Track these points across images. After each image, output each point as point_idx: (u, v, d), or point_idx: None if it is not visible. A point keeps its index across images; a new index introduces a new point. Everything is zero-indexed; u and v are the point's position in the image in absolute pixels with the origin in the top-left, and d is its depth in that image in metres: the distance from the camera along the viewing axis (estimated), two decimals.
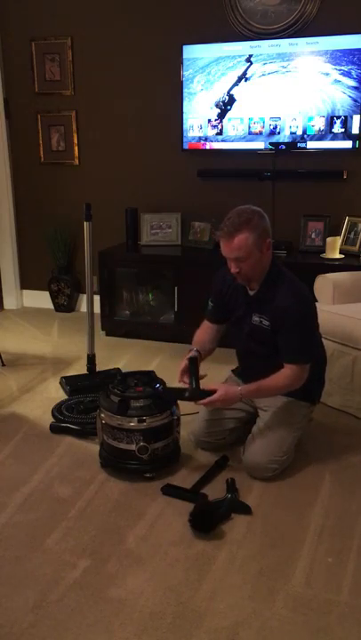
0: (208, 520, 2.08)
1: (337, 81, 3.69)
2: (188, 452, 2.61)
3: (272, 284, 2.38)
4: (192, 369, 2.42)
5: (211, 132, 4.06)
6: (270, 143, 3.94)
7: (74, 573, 1.91)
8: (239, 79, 3.91)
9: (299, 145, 3.88)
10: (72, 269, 4.75)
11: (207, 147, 4.10)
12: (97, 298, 4.11)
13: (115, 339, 4.16)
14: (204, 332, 2.64)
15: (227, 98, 3.96)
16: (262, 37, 3.83)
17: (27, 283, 4.96)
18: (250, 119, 3.95)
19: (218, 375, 2.70)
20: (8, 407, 3.11)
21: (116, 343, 4.07)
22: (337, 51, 3.64)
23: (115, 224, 4.34)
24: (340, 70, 3.67)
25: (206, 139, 4.08)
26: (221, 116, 4.01)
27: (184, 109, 4.07)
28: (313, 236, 3.99)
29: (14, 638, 1.66)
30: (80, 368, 3.51)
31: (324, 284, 3.22)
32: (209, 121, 4.04)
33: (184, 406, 2.55)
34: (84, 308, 4.73)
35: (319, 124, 3.80)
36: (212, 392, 2.37)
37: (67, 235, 4.57)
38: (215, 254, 4.00)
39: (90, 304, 3.32)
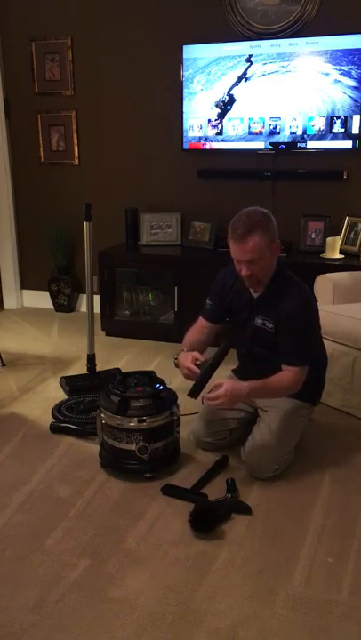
0: (208, 520, 2.08)
1: (337, 81, 3.69)
2: (188, 452, 2.61)
3: (277, 287, 2.38)
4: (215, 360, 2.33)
5: (211, 132, 4.06)
6: (270, 143, 3.94)
7: (74, 573, 1.91)
8: (239, 79, 3.91)
9: (299, 145, 3.88)
10: (72, 269, 4.75)
11: (207, 147, 4.10)
12: (97, 298, 4.11)
13: (115, 339, 4.16)
14: (198, 331, 2.61)
15: (227, 98, 3.96)
16: (262, 37, 3.83)
17: (27, 283, 4.96)
18: (250, 119, 3.95)
19: (218, 375, 2.69)
20: (8, 407, 3.11)
21: (116, 343, 4.07)
22: (337, 51, 3.64)
23: (115, 224, 4.34)
24: (340, 70, 3.67)
25: (206, 139, 4.08)
26: (221, 116, 4.01)
27: (184, 109, 4.07)
28: (313, 236, 3.99)
29: (14, 638, 1.66)
30: (80, 368, 3.51)
31: (324, 284, 3.22)
32: (209, 121, 4.04)
33: (184, 406, 2.55)
34: (84, 307, 4.74)
35: (319, 124, 3.80)
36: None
37: (67, 235, 4.57)
38: (215, 254, 4.02)
39: (90, 304, 3.32)
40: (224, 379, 2.40)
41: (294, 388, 2.36)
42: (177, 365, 2.47)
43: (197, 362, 2.37)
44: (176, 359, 2.48)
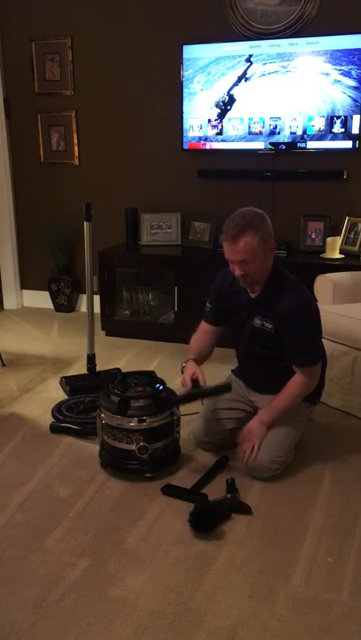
0: (208, 520, 2.08)
1: (337, 81, 3.69)
2: (188, 452, 2.61)
3: (275, 287, 2.38)
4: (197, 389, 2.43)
5: (211, 132, 4.06)
6: (270, 143, 3.94)
7: (74, 573, 1.91)
8: (239, 79, 3.90)
9: (299, 145, 3.88)
10: (72, 269, 4.75)
11: (207, 147, 4.10)
12: (97, 298, 4.11)
13: (115, 339, 4.16)
14: (202, 337, 2.61)
15: (227, 98, 3.96)
16: (262, 37, 3.83)
17: (27, 283, 4.96)
18: (250, 119, 3.95)
19: (218, 375, 2.70)
20: (8, 407, 3.11)
21: (116, 343, 4.07)
22: (337, 51, 3.64)
23: (115, 224, 4.34)
24: (340, 70, 3.67)
25: (206, 139, 4.08)
26: (221, 116, 4.01)
27: (184, 109, 4.07)
28: (313, 235, 3.99)
29: (14, 638, 1.66)
30: (80, 368, 3.51)
31: (324, 284, 3.22)
32: (209, 121, 4.04)
33: (184, 406, 2.55)
34: (84, 307, 4.74)
35: (319, 124, 3.80)
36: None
37: (67, 235, 4.57)
38: (215, 254, 4.02)
39: (90, 304, 3.32)
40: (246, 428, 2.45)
41: (309, 387, 2.41)
42: (183, 372, 2.51)
43: (193, 378, 2.41)
44: (184, 366, 2.51)
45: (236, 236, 2.24)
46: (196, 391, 2.42)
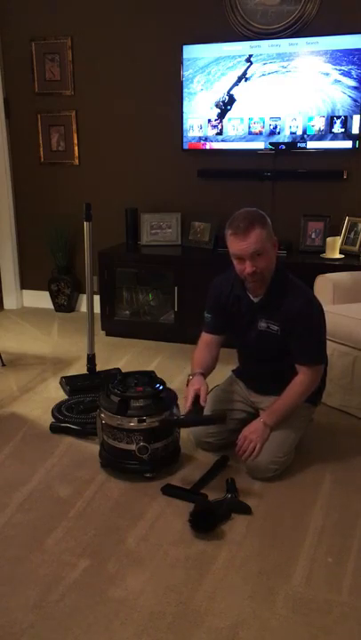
0: (208, 520, 2.08)
1: (337, 81, 3.69)
2: (188, 452, 2.61)
3: (279, 289, 2.38)
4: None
5: (211, 132, 4.06)
6: (270, 143, 3.94)
7: (74, 573, 1.91)
8: (239, 79, 3.90)
9: (299, 145, 3.88)
10: (72, 269, 4.75)
11: (207, 147, 4.10)
12: (97, 298, 4.11)
13: (115, 339, 4.16)
14: (205, 349, 2.57)
15: (227, 98, 3.96)
16: (262, 37, 3.83)
17: (27, 283, 4.96)
18: (250, 119, 3.95)
19: (218, 375, 2.70)
20: (8, 407, 3.11)
21: (116, 343, 4.07)
22: (337, 51, 3.64)
23: (115, 224, 4.34)
24: (340, 70, 3.67)
25: (206, 139, 4.08)
26: (221, 115, 4.01)
27: (184, 109, 4.06)
28: (313, 236, 3.99)
29: (14, 638, 1.66)
30: (80, 368, 3.51)
31: (324, 284, 3.22)
32: (209, 121, 4.04)
33: (184, 407, 2.55)
34: (84, 307, 4.74)
35: (319, 124, 3.80)
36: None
37: (67, 235, 4.57)
38: (215, 254, 4.02)
39: (90, 304, 3.32)
40: (246, 429, 2.43)
41: (312, 387, 2.42)
42: (188, 385, 2.48)
43: (196, 396, 2.38)
44: (190, 378, 2.48)
45: (247, 228, 2.26)
46: (192, 419, 2.40)
